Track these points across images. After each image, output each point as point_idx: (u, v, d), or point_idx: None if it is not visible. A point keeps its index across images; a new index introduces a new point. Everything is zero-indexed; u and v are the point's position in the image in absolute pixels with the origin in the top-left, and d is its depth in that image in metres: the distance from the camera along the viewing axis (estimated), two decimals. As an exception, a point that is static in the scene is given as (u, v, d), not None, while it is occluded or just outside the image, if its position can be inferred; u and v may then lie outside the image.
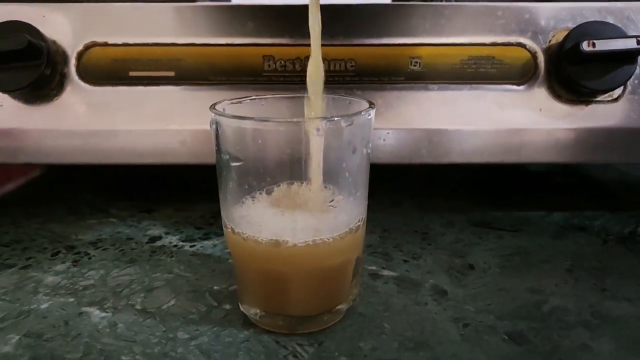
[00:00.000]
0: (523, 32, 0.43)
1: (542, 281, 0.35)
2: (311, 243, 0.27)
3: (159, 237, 0.42)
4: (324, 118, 0.27)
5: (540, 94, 0.43)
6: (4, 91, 0.41)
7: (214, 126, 0.28)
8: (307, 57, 0.43)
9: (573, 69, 0.41)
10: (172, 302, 0.33)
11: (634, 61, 0.40)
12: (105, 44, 0.43)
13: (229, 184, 0.28)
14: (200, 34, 0.43)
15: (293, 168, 0.27)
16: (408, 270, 0.37)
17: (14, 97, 0.42)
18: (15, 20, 0.41)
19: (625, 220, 0.45)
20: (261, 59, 0.43)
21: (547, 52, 0.43)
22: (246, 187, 0.28)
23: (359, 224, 0.29)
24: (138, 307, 0.32)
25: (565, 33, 0.42)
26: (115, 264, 0.38)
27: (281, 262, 0.28)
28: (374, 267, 0.37)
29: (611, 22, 0.42)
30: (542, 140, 0.43)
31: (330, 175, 0.28)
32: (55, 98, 0.43)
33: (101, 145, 0.43)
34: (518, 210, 0.47)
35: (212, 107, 0.28)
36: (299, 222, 0.28)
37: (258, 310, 0.30)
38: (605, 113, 0.43)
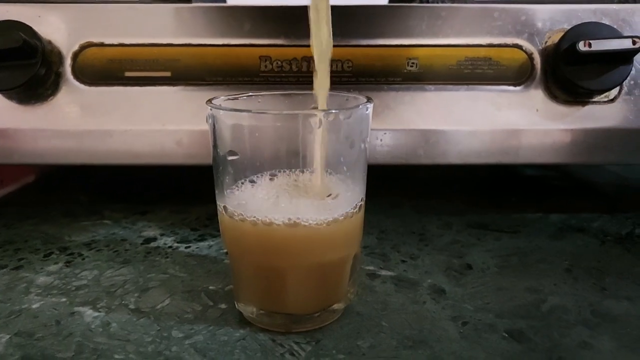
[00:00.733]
0: (519, 34, 0.43)
1: (540, 280, 0.35)
2: (304, 224, 0.26)
3: (154, 239, 0.42)
4: (323, 111, 0.27)
5: (536, 95, 0.43)
6: (-2, 90, 0.41)
7: (210, 120, 0.28)
8: (304, 58, 0.43)
9: (569, 69, 0.41)
10: (167, 301, 0.33)
11: (630, 62, 0.41)
12: (101, 44, 0.42)
13: (226, 178, 0.28)
14: (197, 34, 0.43)
15: (290, 162, 0.27)
16: (406, 270, 0.37)
17: (8, 97, 0.42)
18: (10, 20, 0.41)
19: (622, 222, 0.45)
20: (258, 59, 0.43)
21: (544, 53, 0.43)
22: (242, 181, 0.28)
23: (354, 210, 0.28)
24: (132, 306, 0.32)
25: (561, 34, 0.42)
26: (109, 264, 0.37)
27: (276, 248, 0.27)
28: (371, 267, 0.37)
29: (606, 23, 0.42)
30: (539, 141, 0.43)
31: (328, 169, 0.27)
32: (50, 98, 0.42)
33: (96, 146, 0.43)
34: (515, 212, 0.47)
35: (209, 101, 0.28)
36: (293, 204, 0.27)
37: (254, 309, 0.30)
38: (601, 114, 0.43)
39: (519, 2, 0.43)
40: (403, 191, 0.54)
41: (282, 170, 0.27)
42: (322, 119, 0.26)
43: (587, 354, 0.27)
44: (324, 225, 0.26)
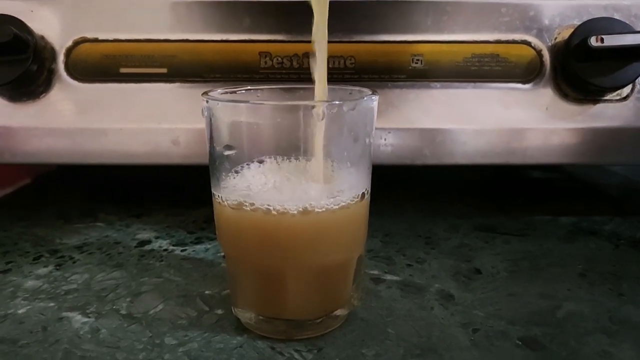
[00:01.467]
0: (528, 30, 0.41)
1: (554, 286, 0.33)
2: (307, 210, 0.24)
3: (149, 241, 0.40)
4: (325, 102, 0.25)
5: (546, 93, 0.41)
6: (-12, 87, 0.39)
7: (206, 113, 0.26)
8: (305, 54, 0.42)
9: (580, 65, 0.39)
10: (160, 306, 0.31)
11: (644, 58, 0.39)
12: (96, 40, 0.41)
13: (222, 174, 0.26)
14: (195, 30, 0.41)
15: (290, 155, 0.25)
16: (412, 274, 0.35)
17: (-1, 94, 0.40)
18: (1, 14, 0.39)
19: (635, 225, 0.43)
20: (257, 55, 0.41)
21: (553, 49, 0.41)
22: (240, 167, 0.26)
23: (358, 199, 0.26)
24: (123, 312, 0.30)
25: (571, 30, 0.40)
26: (101, 268, 0.36)
27: (275, 239, 0.25)
28: (375, 272, 0.35)
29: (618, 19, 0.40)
30: (549, 140, 0.42)
31: (329, 173, 0.26)
32: (43, 95, 0.41)
33: (90, 145, 0.41)
34: (523, 215, 0.46)
35: (205, 93, 0.26)
36: (295, 190, 0.26)
37: (253, 314, 0.28)
38: (613, 112, 0.41)
39: (527, -2, 0.42)
40: (407, 194, 0.52)
41: (283, 158, 0.26)
42: (325, 111, 0.24)
43: (607, 363, 0.26)
44: (327, 211, 0.25)
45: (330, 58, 0.41)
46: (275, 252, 0.26)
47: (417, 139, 0.41)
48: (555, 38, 0.41)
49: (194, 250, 0.38)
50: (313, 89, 0.28)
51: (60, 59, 0.41)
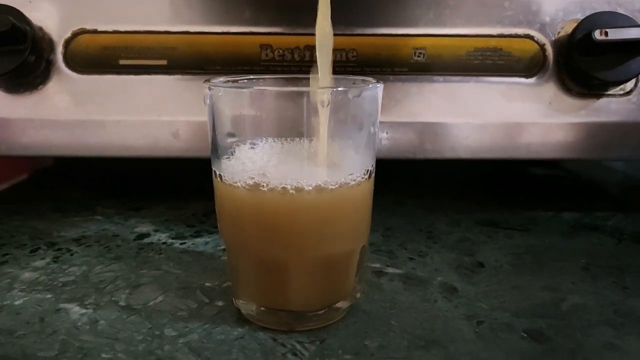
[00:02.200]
0: (531, 24, 0.41)
1: (557, 279, 0.33)
2: (310, 188, 0.24)
3: (147, 235, 0.40)
4: (330, 88, 0.25)
5: (549, 87, 0.41)
6: (-15, 77, 0.39)
7: (208, 101, 0.26)
8: (307, 47, 0.41)
9: (584, 59, 0.39)
10: (160, 298, 0.30)
11: (648, 52, 0.39)
12: (95, 31, 0.41)
13: (224, 155, 0.26)
14: (195, 21, 0.41)
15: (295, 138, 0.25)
16: (414, 267, 0.35)
17: (-4, 85, 0.40)
18: (0, 4, 0.39)
19: (638, 221, 0.43)
20: (258, 48, 0.41)
21: (556, 44, 0.41)
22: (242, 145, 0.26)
23: (362, 178, 0.26)
24: (122, 303, 0.30)
25: (575, 25, 0.40)
26: (99, 260, 0.35)
27: (276, 220, 0.25)
28: (377, 265, 0.35)
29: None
30: (552, 135, 0.41)
31: (335, 160, 0.25)
32: (41, 87, 0.40)
33: (88, 137, 0.41)
34: (525, 211, 0.45)
35: (207, 81, 0.26)
36: (297, 168, 0.25)
37: (254, 305, 0.28)
38: (617, 107, 0.41)
39: (530, -8, 0.42)
40: (407, 189, 0.52)
41: (288, 140, 0.25)
42: (330, 98, 0.24)
43: (614, 355, 0.25)
44: (332, 189, 0.24)
45: (332, 51, 0.41)
46: (277, 235, 0.25)
47: (419, 132, 0.41)
48: (559, 32, 0.41)
49: (193, 244, 0.38)
50: (316, 79, 0.28)
51: (59, 50, 0.40)
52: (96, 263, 0.35)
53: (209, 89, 0.26)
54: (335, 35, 0.41)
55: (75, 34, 0.41)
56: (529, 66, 0.41)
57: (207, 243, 0.38)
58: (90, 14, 0.41)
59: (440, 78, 0.41)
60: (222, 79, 0.28)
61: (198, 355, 0.25)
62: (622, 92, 0.41)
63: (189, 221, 0.42)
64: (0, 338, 0.26)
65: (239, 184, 0.25)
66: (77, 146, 0.41)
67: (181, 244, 0.38)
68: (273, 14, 0.41)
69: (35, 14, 0.40)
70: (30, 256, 0.36)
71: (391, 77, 0.41)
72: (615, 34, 0.37)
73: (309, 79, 0.29)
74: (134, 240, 0.39)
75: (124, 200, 0.47)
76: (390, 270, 0.34)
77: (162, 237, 0.39)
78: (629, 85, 0.41)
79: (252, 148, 0.25)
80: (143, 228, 0.41)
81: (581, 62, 0.39)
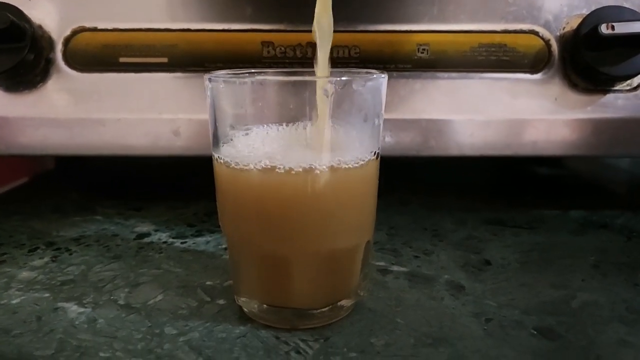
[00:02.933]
0: (535, 19, 0.41)
1: (567, 276, 0.32)
2: (312, 169, 0.23)
3: (148, 234, 0.39)
4: (334, 77, 0.24)
5: (555, 83, 0.41)
6: (-16, 75, 0.38)
7: (209, 93, 0.25)
8: (308, 44, 0.41)
9: (590, 54, 0.38)
10: (160, 297, 0.30)
11: (655, 46, 0.38)
12: (95, 29, 0.40)
13: (226, 148, 0.25)
14: (196, 19, 0.40)
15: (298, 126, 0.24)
16: (420, 265, 0.34)
17: (-5, 83, 0.39)
18: (-1, 2, 0.38)
19: (647, 219, 0.42)
20: (260, 45, 0.40)
21: (561, 39, 0.40)
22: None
23: (365, 161, 0.25)
24: (121, 302, 0.29)
25: (580, 19, 0.39)
26: (99, 259, 0.35)
27: (276, 202, 0.24)
28: (382, 263, 0.34)
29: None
30: (558, 131, 0.41)
31: (339, 144, 0.24)
32: (40, 85, 0.40)
33: (88, 136, 0.40)
34: (532, 209, 0.45)
35: (208, 72, 0.26)
36: (301, 150, 0.24)
37: (256, 303, 0.27)
38: (623, 103, 0.40)
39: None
40: (411, 188, 0.51)
41: (293, 123, 0.24)
42: (333, 87, 0.23)
43: (627, 352, 0.25)
44: (339, 168, 0.24)
45: (335, 48, 0.41)
46: (281, 224, 0.25)
47: (423, 130, 0.40)
48: (564, 27, 0.41)
49: (194, 243, 0.37)
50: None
51: (59, 48, 0.40)
52: (95, 262, 0.34)
53: (210, 79, 0.25)
54: (337, 31, 0.40)
55: (75, 32, 0.40)
56: (534, 62, 0.41)
57: (208, 242, 0.37)
58: (90, 11, 0.40)
59: (444, 74, 0.41)
60: (223, 72, 0.27)
61: (199, 354, 0.24)
62: (629, 88, 0.40)
63: (190, 221, 0.42)
64: (-4, 337, 0.26)
65: (250, 165, 0.24)
66: (76, 145, 0.40)
67: (182, 243, 0.37)
68: (274, 10, 0.40)
69: (34, 12, 0.40)
70: (29, 256, 0.35)
71: (395, 74, 0.40)
72: (621, 28, 0.37)
73: (311, 72, 0.29)
74: (134, 239, 0.38)
75: (125, 200, 0.46)
76: (396, 268, 0.33)
77: (163, 236, 0.39)
78: (636, 80, 0.40)
79: (251, 133, 0.25)
80: (143, 228, 0.40)
81: (587, 57, 0.38)
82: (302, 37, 0.41)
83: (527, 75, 0.41)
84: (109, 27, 0.40)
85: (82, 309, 0.28)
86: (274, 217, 0.24)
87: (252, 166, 0.24)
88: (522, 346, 0.25)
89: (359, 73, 0.28)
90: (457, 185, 0.55)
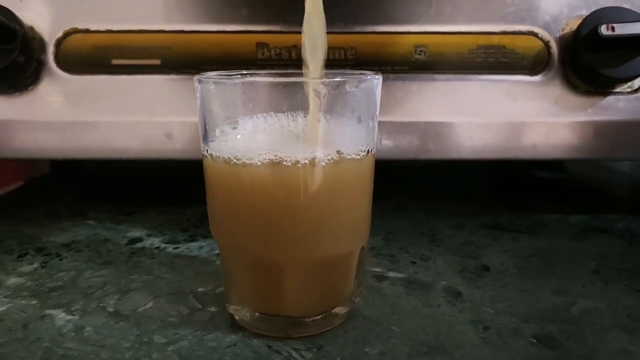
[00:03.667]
0: (535, 20, 0.40)
1: (567, 282, 0.31)
2: (304, 162, 0.23)
3: (140, 239, 0.38)
4: (326, 79, 0.24)
5: (554, 85, 0.40)
6: (-27, 78, 0.38)
7: (198, 95, 0.25)
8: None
9: (591, 56, 0.38)
10: (150, 304, 0.29)
11: (656, 48, 0.38)
12: (87, 31, 0.40)
13: (214, 133, 0.25)
14: (190, 20, 0.40)
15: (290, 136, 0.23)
16: (416, 271, 0.33)
17: (-15, 85, 0.39)
18: (-11, 3, 0.38)
19: (648, 223, 0.42)
20: (254, 46, 0.40)
21: (561, 41, 0.40)
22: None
23: (357, 157, 0.24)
24: (110, 309, 0.28)
25: (579, 21, 0.39)
26: (89, 265, 0.34)
27: (268, 198, 0.23)
28: (378, 269, 0.33)
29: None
30: (558, 134, 0.40)
31: (333, 142, 0.24)
32: (31, 87, 0.39)
33: (80, 139, 0.39)
34: (531, 214, 0.44)
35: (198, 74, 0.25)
36: (294, 144, 0.24)
37: (248, 311, 0.26)
38: (624, 105, 0.40)
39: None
40: (408, 193, 0.50)
41: (283, 113, 0.24)
42: (326, 88, 0.22)
43: (629, 361, 0.24)
44: (331, 163, 0.23)
45: (330, 49, 0.40)
46: (273, 223, 0.24)
47: (421, 132, 0.40)
48: (563, 29, 0.40)
49: (187, 248, 0.37)
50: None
51: (50, 50, 0.39)
52: (85, 268, 0.33)
53: (199, 81, 0.24)
54: (333, 33, 0.40)
55: (67, 34, 0.39)
56: (533, 64, 0.40)
57: (201, 247, 0.37)
58: (82, 13, 0.40)
59: (442, 76, 0.40)
60: (214, 73, 0.27)
61: (188, 363, 0.24)
62: (629, 90, 0.40)
63: (183, 226, 0.41)
64: (-21, 346, 0.25)
65: (253, 159, 0.23)
66: (68, 148, 0.40)
67: (174, 248, 0.37)
68: (269, 12, 0.40)
69: (25, 13, 0.39)
70: (18, 261, 0.34)
71: (391, 76, 0.40)
72: (622, 29, 0.36)
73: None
74: (126, 245, 0.37)
75: (117, 205, 0.45)
76: (392, 274, 0.33)
77: (155, 241, 0.38)
78: (637, 82, 0.39)
79: (243, 128, 0.24)
80: (135, 233, 0.39)
81: (587, 58, 0.38)
82: (298, 39, 0.40)
83: (527, 77, 0.40)
84: (102, 28, 0.40)
85: (69, 317, 0.28)
86: (265, 216, 0.24)
87: (242, 160, 0.23)
88: (520, 355, 0.24)
89: (352, 74, 0.27)
90: (455, 190, 0.54)
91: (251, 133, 0.23)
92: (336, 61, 0.40)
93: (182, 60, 0.40)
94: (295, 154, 0.23)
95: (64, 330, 0.26)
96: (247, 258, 0.25)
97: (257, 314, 0.26)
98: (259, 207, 0.24)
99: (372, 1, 0.40)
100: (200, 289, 0.31)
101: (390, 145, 0.40)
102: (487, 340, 0.25)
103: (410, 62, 0.40)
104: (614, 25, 0.36)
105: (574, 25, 0.39)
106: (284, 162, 0.22)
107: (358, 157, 0.24)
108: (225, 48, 0.40)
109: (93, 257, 0.35)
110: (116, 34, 0.40)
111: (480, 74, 0.40)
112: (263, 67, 0.40)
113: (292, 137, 0.23)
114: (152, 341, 0.25)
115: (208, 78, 0.24)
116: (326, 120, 0.23)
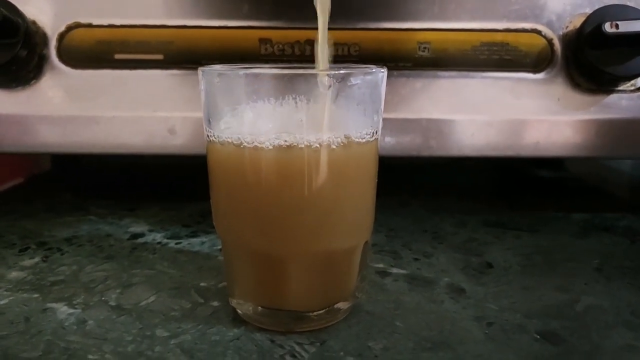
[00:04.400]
0: (538, 18, 0.40)
1: (570, 280, 0.31)
2: (315, 145, 0.23)
3: (142, 234, 0.38)
4: (332, 71, 0.24)
5: (557, 83, 0.40)
6: (-25, 71, 0.38)
7: (202, 87, 0.25)
8: (307, 41, 0.40)
9: (594, 53, 0.38)
10: (152, 298, 0.29)
11: (660, 45, 0.38)
12: (90, 25, 0.39)
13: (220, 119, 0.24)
14: (192, 15, 0.40)
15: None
16: (419, 268, 0.33)
17: (-13, 79, 0.39)
18: (-8, -3, 0.38)
19: (651, 222, 0.42)
20: (257, 42, 0.40)
21: (564, 38, 0.40)
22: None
23: (363, 139, 0.24)
24: (112, 303, 0.28)
25: (583, 18, 0.39)
26: (90, 260, 0.34)
27: (277, 182, 0.23)
28: (381, 265, 0.33)
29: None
30: (560, 132, 0.40)
31: (341, 131, 0.23)
32: (33, 82, 0.39)
33: (82, 134, 0.39)
34: (533, 212, 0.44)
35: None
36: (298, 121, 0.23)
37: (251, 305, 0.26)
38: (627, 103, 0.40)
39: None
40: (411, 190, 0.50)
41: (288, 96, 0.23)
42: (332, 80, 0.22)
43: (634, 357, 0.24)
44: (337, 147, 0.23)
45: (334, 45, 0.40)
46: (274, 221, 0.24)
47: (424, 129, 0.40)
48: (567, 27, 0.40)
49: (189, 243, 0.37)
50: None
51: (53, 44, 0.39)
52: (87, 263, 0.33)
53: (203, 73, 0.24)
54: (337, 29, 0.40)
55: (70, 28, 0.39)
56: (536, 61, 0.40)
57: (203, 243, 0.37)
58: (85, 7, 0.39)
59: (446, 73, 0.40)
60: (217, 66, 0.27)
61: (191, 357, 0.24)
62: (633, 88, 0.40)
63: (185, 221, 0.41)
64: (-19, 338, 0.25)
65: (264, 143, 0.23)
66: (70, 143, 0.40)
67: (176, 243, 0.37)
68: (272, 7, 0.40)
69: (28, 7, 0.39)
70: (19, 255, 0.34)
71: (395, 73, 0.40)
72: (626, 27, 0.36)
73: (310, 67, 0.28)
74: (128, 240, 0.37)
75: (119, 201, 0.45)
76: (395, 270, 0.33)
77: (157, 237, 0.38)
78: (640, 80, 0.39)
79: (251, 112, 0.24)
80: (137, 228, 0.39)
81: (591, 56, 0.38)
82: (301, 35, 0.40)
83: (530, 75, 0.40)
84: (104, 23, 0.39)
85: (71, 310, 0.27)
86: (270, 205, 0.24)
87: (254, 143, 0.23)
88: (524, 351, 0.24)
89: (357, 68, 0.27)
90: (457, 187, 0.54)
91: (261, 117, 0.23)
92: (340, 57, 0.40)
93: (185, 55, 0.40)
94: (307, 136, 0.22)
95: (66, 324, 0.26)
96: (249, 252, 0.25)
97: (260, 308, 0.26)
98: (265, 195, 0.23)
99: (376, -3, 0.40)
100: (202, 284, 0.31)
101: (393, 142, 0.40)
102: (491, 336, 0.25)
103: (414, 59, 0.40)
104: (618, 22, 0.36)
105: (577, 22, 0.39)
106: (295, 145, 0.22)
107: (363, 140, 0.24)
108: (228, 43, 0.40)
109: (95, 251, 0.35)
110: (119, 29, 0.39)
111: (483, 71, 0.40)
112: (266, 63, 0.40)
113: (301, 123, 0.23)
114: (155, 335, 0.25)
115: (212, 70, 0.24)
116: (335, 107, 0.23)
